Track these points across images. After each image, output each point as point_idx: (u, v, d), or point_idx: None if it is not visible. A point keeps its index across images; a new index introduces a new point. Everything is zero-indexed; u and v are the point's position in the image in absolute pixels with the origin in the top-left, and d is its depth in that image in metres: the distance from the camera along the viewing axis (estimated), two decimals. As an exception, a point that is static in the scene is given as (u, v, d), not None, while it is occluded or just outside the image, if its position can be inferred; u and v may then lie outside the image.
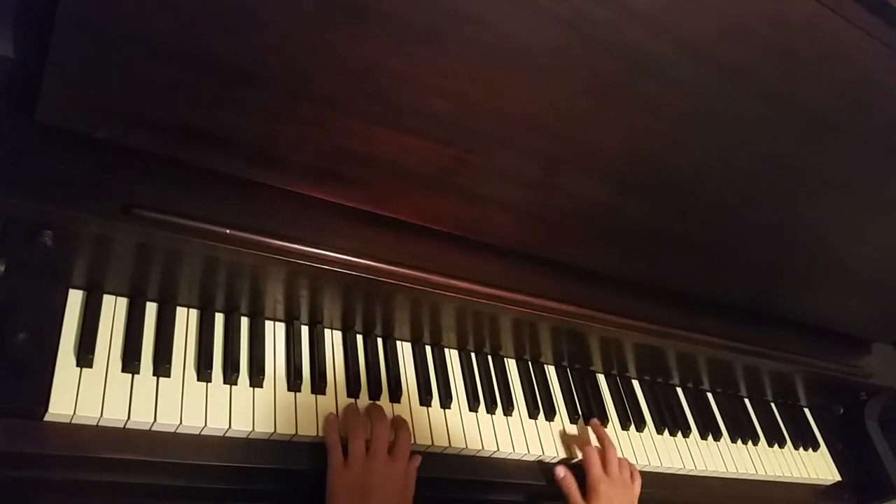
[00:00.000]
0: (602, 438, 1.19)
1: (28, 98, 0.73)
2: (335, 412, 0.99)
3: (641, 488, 1.18)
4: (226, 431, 0.90)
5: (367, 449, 0.95)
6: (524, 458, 1.13)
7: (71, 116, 0.75)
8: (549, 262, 1.08)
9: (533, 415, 1.18)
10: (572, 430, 1.21)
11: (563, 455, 1.16)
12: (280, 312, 1.02)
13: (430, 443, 1.05)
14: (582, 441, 1.18)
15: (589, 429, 1.21)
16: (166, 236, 0.82)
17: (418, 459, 1.01)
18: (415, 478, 0.99)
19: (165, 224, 0.81)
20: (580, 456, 1.16)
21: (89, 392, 0.84)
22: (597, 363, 1.31)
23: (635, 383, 1.36)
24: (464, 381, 1.15)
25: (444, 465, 1.06)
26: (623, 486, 1.14)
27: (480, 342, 1.18)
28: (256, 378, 0.95)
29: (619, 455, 1.19)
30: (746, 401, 1.52)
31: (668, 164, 1.02)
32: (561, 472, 1.13)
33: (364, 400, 1.03)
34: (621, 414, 1.29)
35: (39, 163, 0.77)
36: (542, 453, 1.14)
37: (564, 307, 1.09)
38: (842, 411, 1.59)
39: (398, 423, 1.02)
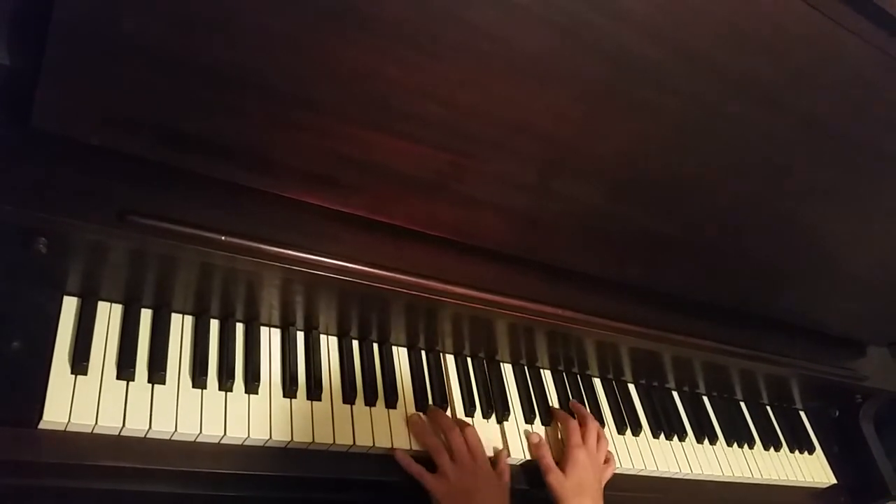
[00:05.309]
0: (584, 416, 1.20)
1: (23, 104, 0.73)
2: (325, 424, 0.99)
3: (638, 492, 1.18)
4: (221, 438, 0.90)
5: (452, 458, 1.02)
6: (520, 463, 1.13)
7: (66, 122, 0.75)
8: (544, 266, 1.08)
9: (529, 419, 1.17)
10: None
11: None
12: (275, 318, 1.02)
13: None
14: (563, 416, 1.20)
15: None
16: (161, 243, 0.82)
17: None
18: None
19: (160, 230, 0.80)
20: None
21: (84, 399, 0.83)
22: (593, 367, 1.31)
23: (631, 387, 1.36)
24: (460, 386, 1.15)
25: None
26: (597, 460, 1.16)
27: (476, 347, 1.18)
28: (252, 384, 0.95)
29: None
30: (742, 404, 1.52)
31: (663, 167, 1.02)
32: (536, 437, 1.15)
33: (360, 406, 1.03)
34: (617, 418, 1.29)
35: (34, 169, 0.77)
36: (538, 458, 1.13)
37: (560, 312, 1.09)
38: (837, 414, 1.60)
39: (462, 426, 1.06)
